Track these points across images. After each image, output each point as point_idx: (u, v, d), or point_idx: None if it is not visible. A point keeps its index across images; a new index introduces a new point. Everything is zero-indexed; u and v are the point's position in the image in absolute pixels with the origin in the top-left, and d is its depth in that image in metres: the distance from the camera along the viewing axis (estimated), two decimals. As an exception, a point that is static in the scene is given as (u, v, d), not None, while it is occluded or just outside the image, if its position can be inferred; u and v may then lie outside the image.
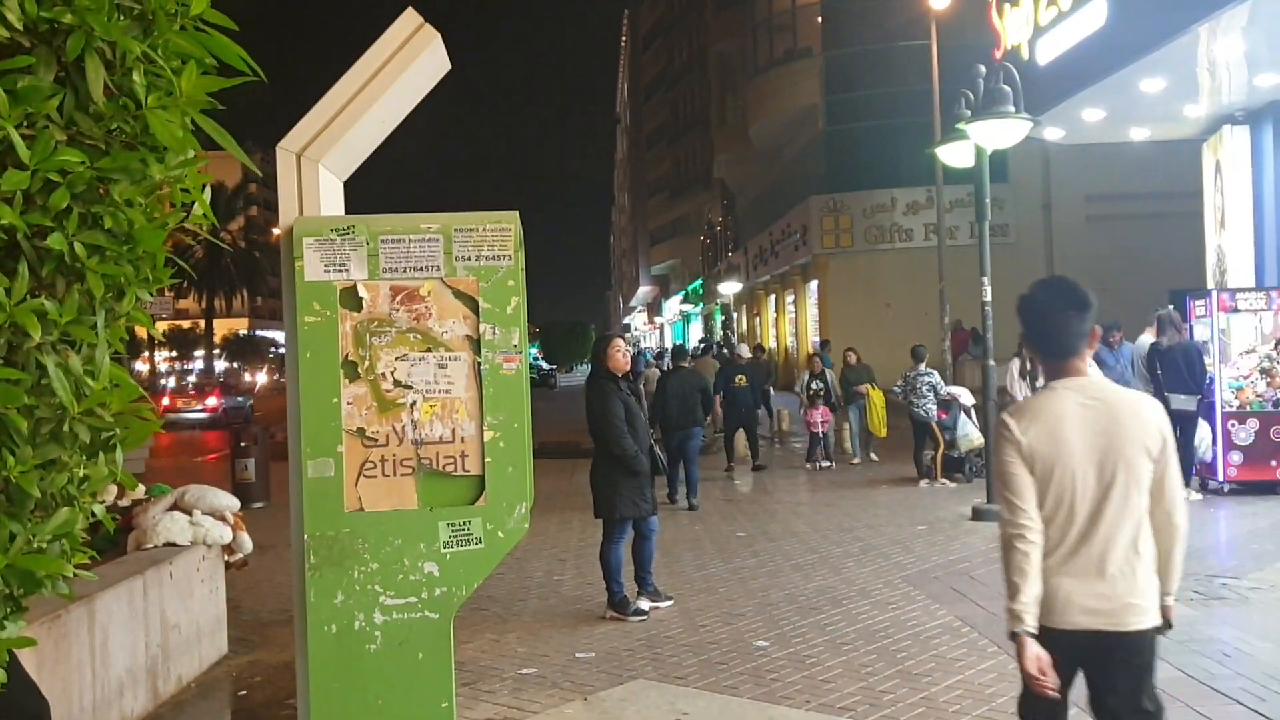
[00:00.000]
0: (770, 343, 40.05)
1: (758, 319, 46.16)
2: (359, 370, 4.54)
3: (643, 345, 71.17)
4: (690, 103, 55.61)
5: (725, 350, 27.92)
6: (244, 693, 5.99)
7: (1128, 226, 28.83)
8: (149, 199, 2.19)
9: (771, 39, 36.00)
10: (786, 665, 6.04)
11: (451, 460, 4.57)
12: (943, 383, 13.66)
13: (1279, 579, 7.61)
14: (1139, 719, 3.27)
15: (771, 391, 20.82)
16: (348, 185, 5.50)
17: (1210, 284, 12.65)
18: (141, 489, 6.93)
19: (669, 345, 43.58)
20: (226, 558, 6.76)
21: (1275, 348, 11.28)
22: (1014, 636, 3.16)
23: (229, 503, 6.70)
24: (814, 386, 15.59)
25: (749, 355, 16.97)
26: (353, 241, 4.53)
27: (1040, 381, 12.66)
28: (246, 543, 6.82)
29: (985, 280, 10.83)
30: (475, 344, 4.55)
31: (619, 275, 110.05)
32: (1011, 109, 10.02)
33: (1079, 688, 3.37)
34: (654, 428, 11.30)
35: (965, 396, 13.55)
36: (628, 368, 7.73)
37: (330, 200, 4.97)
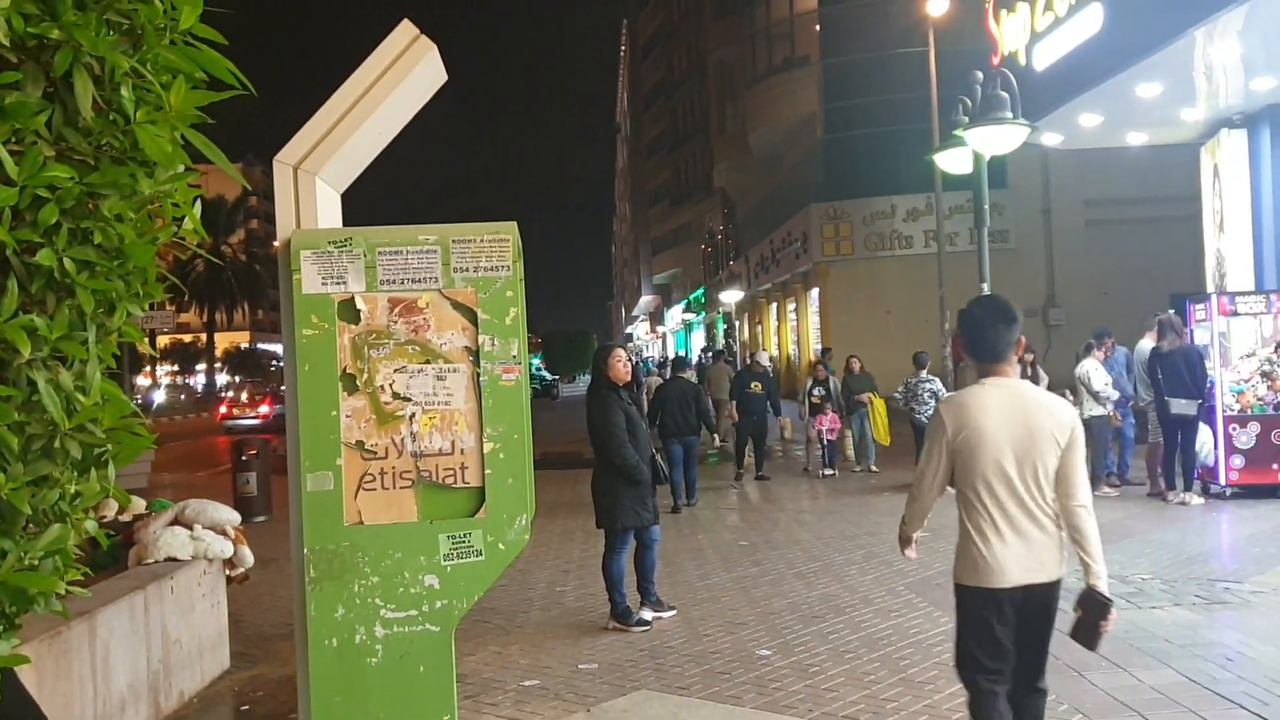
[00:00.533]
0: (773, 350, 40.02)
1: (759, 327, 46.16)
2: (357, 383, 4.54)
3: (645, 354, 71.19)
4: (690, 111, 55.68)
5: (729, 358, 27.95)
6: (246, 707, 5.98)
7: (1127, 231, 28.84)
8: (139, 214, 2.19)
9: (770, 47, 36.07)
10: (789, 674, 6.02)
11: (451, 472, 4.57)
12: (944, 389, 13.64)
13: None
14: (1040, 640, 3.99)
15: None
16: (345, 197, 5.50)
17: (1210, 287, 12.64)
18: (142, 503, 6.93)
19: (671, 355, 43.60)
20: (228, 572, 6.75)
21: (1275, 351, 11.26)
22: (905, 540, 4.34)
23: (230, 517, 6.69)
24: (816, 393, 15.56)
25: (767, 363, 16.80)
26: (350, 254, 4.53)
27: (1043, 386, 12.72)
28: (248, 557, 6.81)
29: (985, 286, 10.84)
30: (474, 355, 4.55)
31: (621, 284, 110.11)
32: (1009, 115, 10.04)
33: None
34: (651, 427, 11.84)
35: (966, 403, 13.50)
36: (628, 377, 7.72)
37: (328, 213, 4.97)
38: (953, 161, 11.82)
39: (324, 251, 4.52)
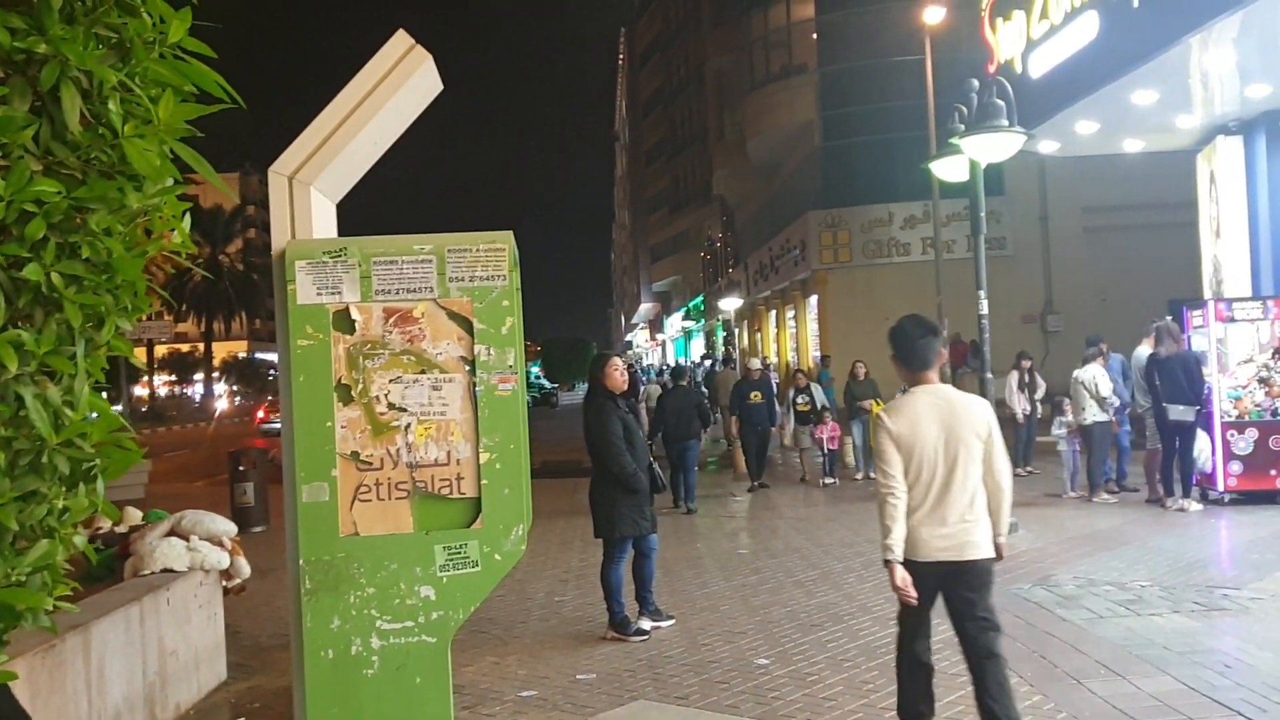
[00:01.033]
0: (772, 358, 40.02)
1: (759, 334, 46.17)
2: (352, 393, 4.54)
3: (645, 362, 71.19)
4: (688, 119, 55.76)
5: (730, 366, 27.87)
6: (243, 719, 5.96)
7: (1124, 237, 28.87)
8: (128, 228, 2.18)
9: (768, 55, 36.13)
10: (787, 683, 6.01)
11: (447, 483, 4.57)
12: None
13: (1279, 588, 7.56)
14: (976, 624, 4.58)
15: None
16: (341, 207, 5.50)
17: (1207, 294, 12.64)
18: (138, 515, 6.92)
19: (671, 363, 43.58)
20: (224, 583, 6.74)
21: (1273, 357, 11.26)
22: (887, 563, 4.55)
23: (226, 528, 6.68)
24: (800, 401, 15.50)
25: (759, 368, 16.83)
26: (345, 264, 4.54)
27: (1040, 393, 12.70)
28: (244, 567, 6.80)
29: (981, 293, 10.83)
30: (470, 365, 4.55)
31: (620, 292, 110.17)
32: (1005, 123, 10.04)
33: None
34: (652, 440, 12.50)
35: (965, 410, 13.50)
36: (625, 386, 7.71)
37: (323, 223, 4.97)
38: (949, 169, 11.81)
39: (319, 262, 4.52)
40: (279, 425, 4.65)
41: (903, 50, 28.53)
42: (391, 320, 4.54)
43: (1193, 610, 7.11)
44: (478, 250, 4.52)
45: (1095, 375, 12.23)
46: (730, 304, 44.53)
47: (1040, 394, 14.96)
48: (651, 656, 6.74)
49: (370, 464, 4.53)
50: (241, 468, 13.33)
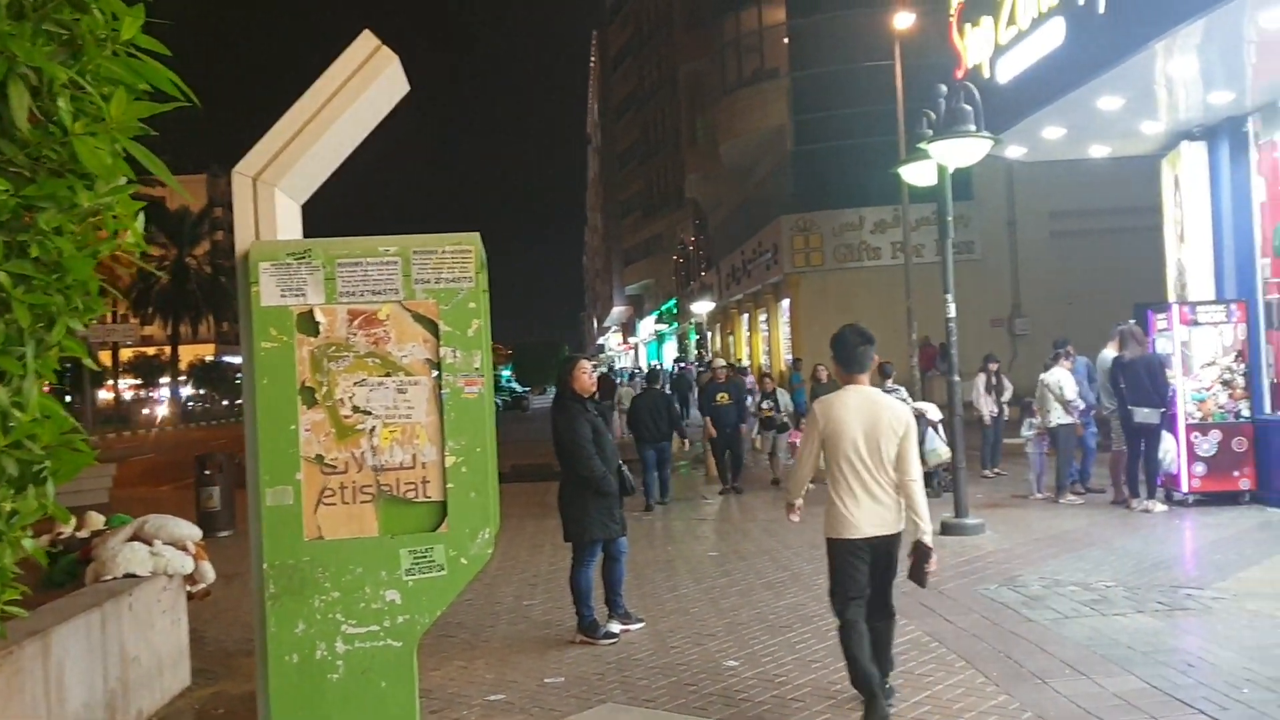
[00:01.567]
0: (744, 360, 40.11)
1: (731, 338, 46.26)
2: (317, 396, 4.51)
3: (617, 365, 71.15)
4: (661, 122, 55.79)
5: (702, 369, 27.85)
6: (206, 725, 5.91)
7: (1091, 242, 29.12)
8: (79, 226, 2.15)
9: (740, 59, 36.21)
10: (756, 685, 6.02)
11: (412, 486, 4.54)
12: (910, 398, 13.70)
13: (1241, 588, 7.64)
14: (886, 578, 5.45)
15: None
16: (307, 208, 5.46)
17: (1171, 297, 12.75)
18: (100, 519, 6.84)
19: (647, 366, 43.56)
20: (188, 588, 6.67)
21: (1236, 359, 11.40)
22: (789, 506, 5.73)
23: (190, 532, 6.62)
24: (765, 406, 15.45)
25: (725, 367, 16.82)
26: (309, 265, 4.50)
27: (1007, 395, 12.81)
28: (209, 572, 6.74)
29: (949, 297, 10.90)
30: (436, 368, 4.53)
31: (593, 295, 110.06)
32: (972, 128, 10.11)
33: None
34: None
35: (932, 412, 13.59)
36: (594, 389, 7.70)
37: (287, 224, 4.93)
38: (918, 174, 11.87)
39: (283, 263, 4.49)
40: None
41: (873, 55, 28.65)
42: (356, 322, 4.50)
43: (1156, 610, 7.18)
44: (444, 252, 4.50)
45: (1060, 378, 12.39)
46: (703, 307, 44.61)
47: (1007, 396, 15.06)
48: (620, 659, 6.74)
49: (335, 467, 4.50)
50: (208, 471, 13.22)
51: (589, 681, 6.30)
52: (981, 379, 14.96)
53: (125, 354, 63.30)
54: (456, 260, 4.51)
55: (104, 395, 60.16)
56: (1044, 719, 5.23)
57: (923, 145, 10.76)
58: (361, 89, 4.76)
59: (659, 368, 29.04)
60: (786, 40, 34.32)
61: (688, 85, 45.33)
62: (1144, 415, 11.14)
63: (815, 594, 8.21)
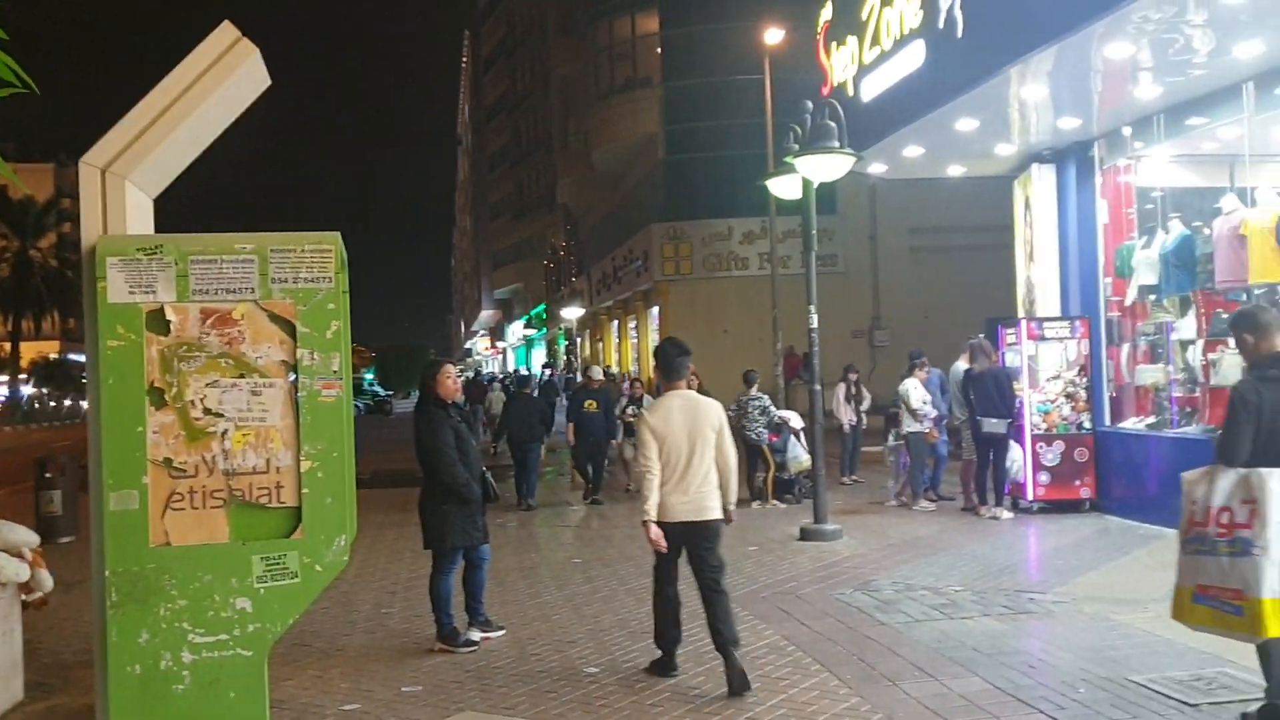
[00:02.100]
0: (614, 367, 40.26)
1: (600, 344, 46.39)
2: (166, 397, 4.36)
3: (486, 370, 70.59)
4: (533, 126, 55.61)
5: (571, 374, 27.83)
6: (41, 740, 5.64)
7: (948, 258, 30.16)
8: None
9: (613, 66, 36.39)
10: (616, 691, 6.04)
11: (266, 491, 4.43)
12: (773, 407, 13.94)
13: (1081, 592, 8.01)
14: (709, 569, 6.13)
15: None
16: (160, 204, 5.28)
17: (1021, 313, 13.30)
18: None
19: (525, 371, 43.24)
20: (24, 596, 6.35)
21: (1079, 374, 11.94)
22: (644, 523, 6.11)
23: (27, 538, 6.31)
24: (630, 412, 15.23)
25: (601, 377, 16.70)
26: (161, 262, 4.36)
27: (865, 405, 13.15)
28: (46, 580, 6.43)
29: (812, 308, 11.15)
30: (292, 370, 4.43)
31: (461, 299, 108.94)
32: (836, 144, 10.36)
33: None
34: (496, 444, 14.98)
35: (795, 420, 13.89)
36: (458, 393, 7.62)
37: (138, 219, 4.76)
38: (784, 187, 12.11)
39: (132, 259, 4.33)
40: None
41: (745, 69, 29.13)
42: (209, 321, 4.38)
43: (1001, 613, 7.47)
44: (303, 250, 4.41)
45: (909, 388, 12.84)
46: (573, 313, 44.63)
47: (866, 405, 15.47)
48: (480, 667, 6.68)
49: (184, 471, 4.36)
50: (48, 474, 12.61)
51: (447, 690, 6.22)
52: (841, 388, 15.35)
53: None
54: (316, 259, 4.42)
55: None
56: (893, 719, 5.38)
57: (789, 159, 10.98)
58: (220, 81, 4.63)
59: (529, 374, 29.10)
60: (660, 50, 34.63)
61: (560, 89, 45.31)
62: (992, 425, 11.59)
63: (676, 599, 8.28)
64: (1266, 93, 9.61)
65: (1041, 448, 11.84)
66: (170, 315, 4.35)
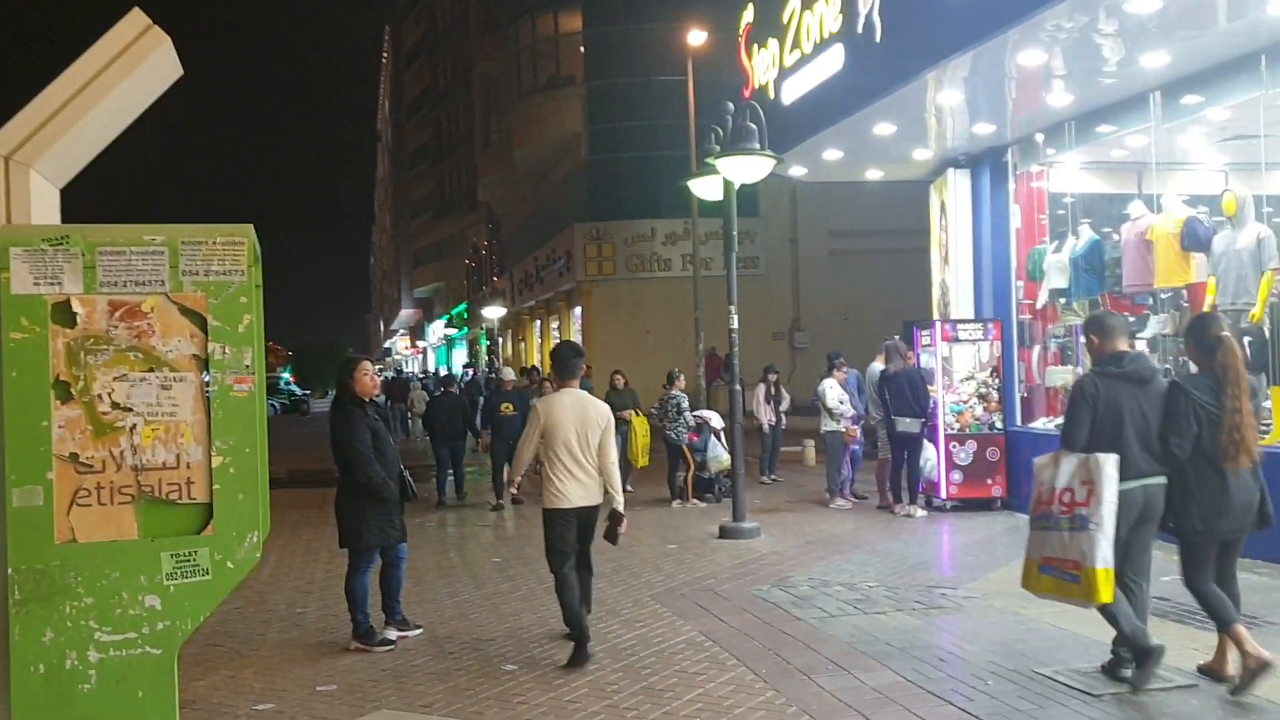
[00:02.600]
0: (538, 367, 40.12)
1: (523, 344, 46.23)
2: (72, 391, 4.24)
3: (407, 369, 69.87)
4: (454, 123, 55.24)
5: (493, 375, 27.61)
6: (-62, 745, 5.46)
7: (866, 261, 30.65)
8: None
9: (535, 65, 36.31)
10: (533, 688, 6.04)
11: (176, 487, 4.33)
12: (688, 406, 14.00)
13: (990, 588, 8.20)
14: (586, 546, 6.84)
15: None
16: (67, 195, 5.15)
17: (935, 315, 13.57)
18: None
19: (446, 371, 42.85)
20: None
21: (991, 375, 12.21)
22: (510, 481, 7.77)
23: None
24: None
25: (513, 378, 16.55)
26: (67, 253, 4.24)
27: (785, 405, 13.28)
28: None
29: (732, 309, 11.25)
30: (204, 364, 4.35)
31: (380, 297, 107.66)
32: (756, 146, 10.46)
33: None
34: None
35: (715, 420, 14.00)
36: (376, 391, 7.55)
37: (44, 208, 4.64)
38: (706, 188, 12.19)
39: (37, 249, 4.21)
40: None
41: (668, 70, 29.30)
42: (118, 314, 4.27)
43: (914, 609, 7.62)
44: (214, 243, 4.32)
45: (826, 388, 13.06)
46: (494, 312, 44.39)
47: (785, 406, 15.64)
48: (396, 666, 6.63)
49: (91, 466, 4.25)
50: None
51: (363, 689, 6.17)
52: (761, 389, 15.51)
53: None
54: (228, 252, 4.33)
55: None
56: (808, 713, 5.46)
57: (710, 160, 11.07)
58: (129, 69, 4.52)
59: (454, 374, 28.94)
60: (583, 49, 34.64)
61: (482, 87, 45.08)
62: (906, 425, 11.81)
63: (596, 597, 8.23)
64: (1172, 102, 9.94)
65: (954, 447, 12.08)
66: (77, 307, 4.24)
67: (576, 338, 35.27)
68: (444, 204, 60.18)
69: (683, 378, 14.36)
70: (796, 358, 30.50)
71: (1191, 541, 5.60)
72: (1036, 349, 12.34)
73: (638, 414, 14.50)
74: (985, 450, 12.09)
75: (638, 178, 32.54)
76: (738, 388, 11.46)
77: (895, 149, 12.99)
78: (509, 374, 16.29)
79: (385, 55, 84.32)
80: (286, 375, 66.71)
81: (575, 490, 6.59)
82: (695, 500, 13.55)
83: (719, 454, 13.54)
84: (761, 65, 13.75)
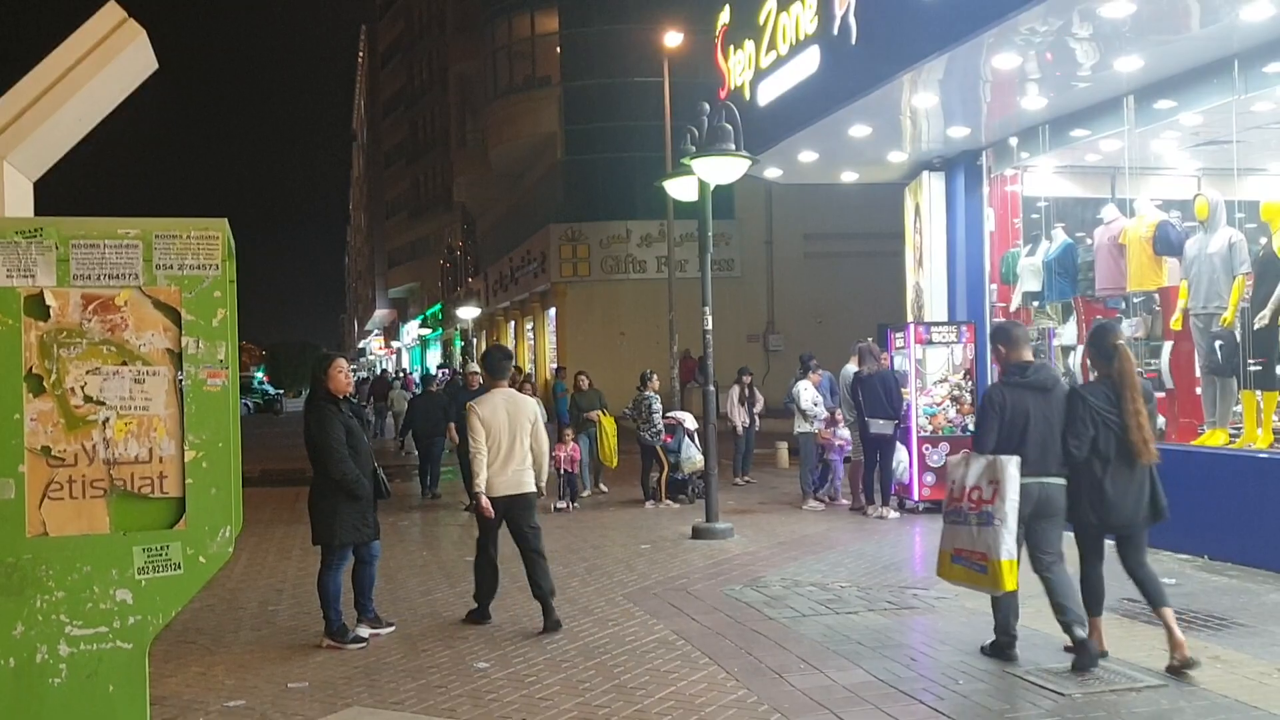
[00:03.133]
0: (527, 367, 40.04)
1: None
2: (45, 384, 4.24)
3: (381, 368, 69.57)
4: (430, 122, 55.07)
5: (457, 375, 27.51)
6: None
7: (841, 263, 30.77)
8: None
9: (511, 65, 36.25)
10: (505, 685, 6.03)
11: (148, 481, 4.33)
12: (660, 407, 14.00)
13: (962, 589, 8.23)
14: (527, 533, 7.40)
15: None
16: (41, 188, 5.13)
17: (909, 318, 13.65)
18: None
19: (431, 370, 42.63)
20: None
21: (964, 377, 12.30)
22: (477, 495, 7.32)
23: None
24: None
25: (476, 373, 16.35)
26: (40, 245, 4.23)
27: (759, 407, 13.32)
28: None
29: (706, 310, 11.27)
30: (177, 358, 4.34)
31: (354, 297, 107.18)
32: (731, 147, 10.49)
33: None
34: (403, 439, 17.63)
35: (689, 421, 14.03)
36: (350, 389, 7.52)
37: (17, 200, 4.63)
38: (681, 189, 12.20)
39: (10, 242, 4.20)
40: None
41: (644, 71, 29.34)
42: (91, 308, 4.25)
43: (886, 609, 7.66)
44: (189, 237, 4.31)
45: (800, 390, 13.12)
46: (469, 313, 44.27)
47: (759, 408, 15.69)
48: (369, 663, 6.61)
49: (63, 460, 4.24)
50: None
51: (335, 686, 6.15)
52: (735, 391, 15.54)
53: None
54: (202, 246, 4.33)
55: None
56: (779, 711, 5.48)
57: (685, 161, 11.09)
58: (104, 62, 4.52)
59: (435, 374, 28.91)
60: (559, 49, 34.63)
61: (458, 86, 44.97)
62: (879, 427, 11.87)
63: (569, 596, 8.31)
64: (1146, 107, 10.05)
65: (927, 449, 12.16)
66: (50, 300, 4.22)
67: (551, 339, 35.28)
68: (419, 204, 59.97)
69: (656, 378, 14.37)
70: (771, 360, 30.59)
71: (1085, 533, 6.17)
72: (1008, 352, 12.42)
73: (605, 414, 14.42)
74: (958, 452, 12.13)
75: (613, 179, 32.56)
76: (712, 389, 11.49)
77: (870, 151, 13.07)
78: (474, 370, 16.19)
79: (361, 54, 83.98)
80: (260, 375, 66.35)
81: (503, 481, 7.22)
82: (669, 501, 13.57)
83: (692, 455, 13.57)
84: (737, 66, 13.80)
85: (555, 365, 29.79)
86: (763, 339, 32.12)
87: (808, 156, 13.45)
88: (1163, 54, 9.10)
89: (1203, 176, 11.68)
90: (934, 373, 12.32)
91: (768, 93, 12.76)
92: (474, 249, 50.35)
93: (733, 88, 13.87)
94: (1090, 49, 9.09)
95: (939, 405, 12.26)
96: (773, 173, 14.78)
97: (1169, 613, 5.96)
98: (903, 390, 12.13)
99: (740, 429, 15.50)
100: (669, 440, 13.65)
